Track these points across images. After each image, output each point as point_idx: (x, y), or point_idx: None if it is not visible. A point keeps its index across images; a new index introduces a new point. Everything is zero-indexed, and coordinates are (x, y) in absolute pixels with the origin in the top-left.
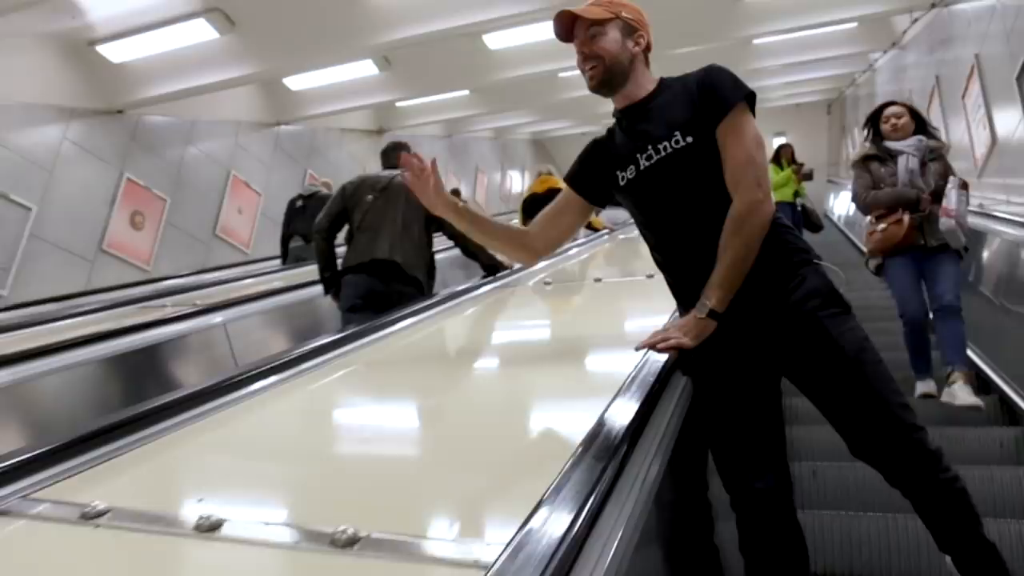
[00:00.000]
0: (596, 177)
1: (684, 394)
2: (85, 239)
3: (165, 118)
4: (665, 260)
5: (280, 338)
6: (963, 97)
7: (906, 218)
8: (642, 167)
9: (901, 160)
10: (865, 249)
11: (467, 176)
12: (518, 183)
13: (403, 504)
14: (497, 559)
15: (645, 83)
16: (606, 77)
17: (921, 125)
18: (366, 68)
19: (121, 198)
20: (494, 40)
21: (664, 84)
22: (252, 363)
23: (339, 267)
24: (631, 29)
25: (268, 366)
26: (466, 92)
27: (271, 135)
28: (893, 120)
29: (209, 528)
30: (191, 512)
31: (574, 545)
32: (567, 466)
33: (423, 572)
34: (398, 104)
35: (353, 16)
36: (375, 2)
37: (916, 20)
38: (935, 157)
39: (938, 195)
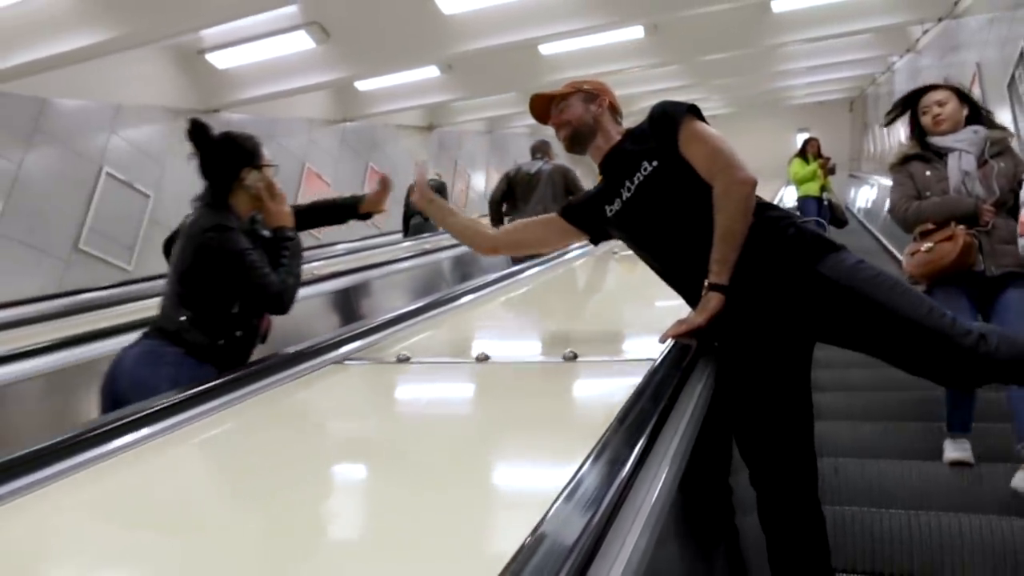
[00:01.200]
0: (587, 212)
1: (711, 376)
2: None
3: (247, 116)
4: (664, 272)
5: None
6: None
7: (960, 234)
8: (624, 198)
9: (952, 159)
10: (905, 272)
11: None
12: None
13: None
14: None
15: (613, 135)
16: (574, 135)
17: (975, 112)
18: (429, 71)
19: None
20: (546, 47)
21: (628, 133)
22: None
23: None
24: (591, 96)
25: None
26: (436, 72)
27: (338, 131)
28: (936, 109)
29: None
30: None
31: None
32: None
33: None
34: (361, 87)
35: (430, 28)
36: (450, 16)
37: (927, 31)
38: (999, 152)
39: (1005, 203)
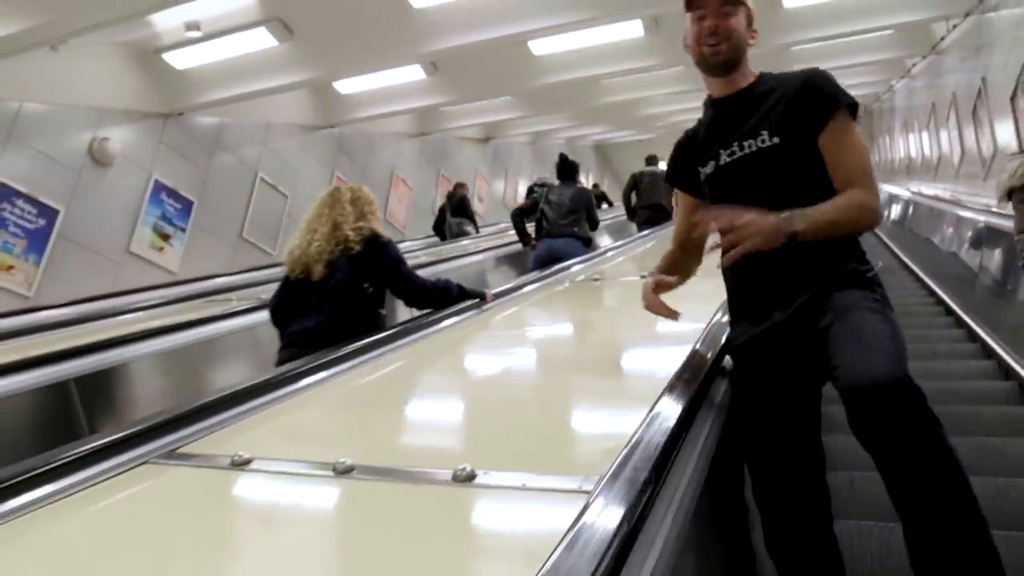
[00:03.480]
0: (688, 173)
1: (726, 398)
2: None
3: (224, 120)
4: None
5: None
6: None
7: None
8: (722, 162)
9: None
10: None
11: (500, 177)
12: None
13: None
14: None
15: (748, 74)
16: (730, 56)
17: None
18: (414, 73)
19: None
20: (539, 46)
21: (764, 78)
22: None
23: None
24: (750, 21)
25: None
26: (422, 75)
27: (417, 143)
28: None
29: None
30: None
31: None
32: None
33: None
34: (343, 91)
35: (403, 24)
36: (424, 11)
37: (955, 26)
38: None
39: None
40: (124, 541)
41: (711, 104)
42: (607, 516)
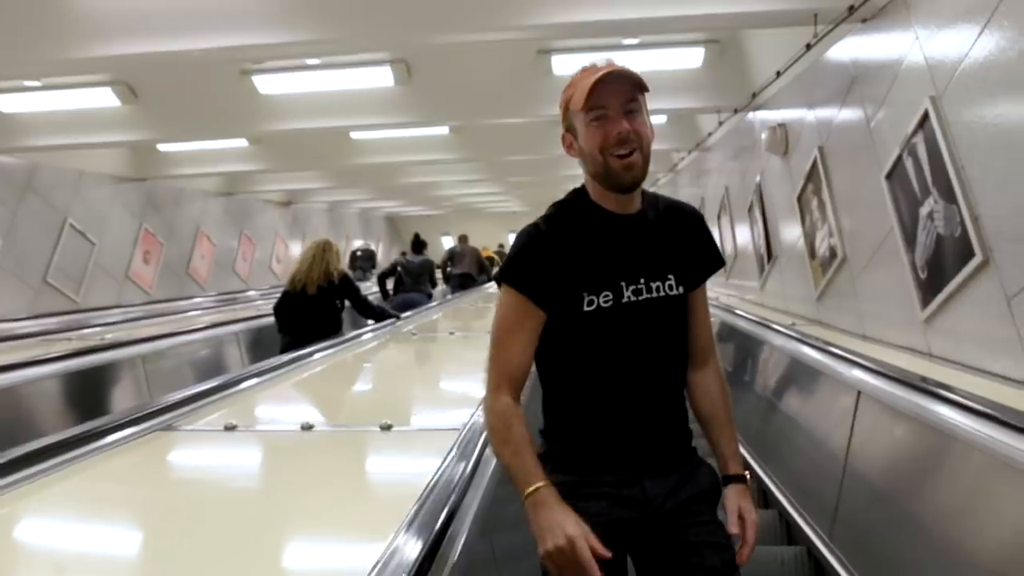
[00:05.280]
0: (557, 288)
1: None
2: None
3: (36, 163)
4: (603, 399)
5: None
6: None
7: None
8: (625, 299)
9: None
10: None
11: (299, 240)
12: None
13: None
14: None
15: (636, 192)
16: (644, 172)
17: None
18: (104, 98)
19: None
20: (264, 83)
21: (647, 199)
22: None
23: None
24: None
25: None
26: (244, 143)
27: (142, 188)
28: None
29: None
30: None
31: None
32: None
33: None
34: (161, 148)
35: (247, 105)
36: (266, 96)
37: (722, 123)
38: None
39: None
40: (155, 482)
41: (601, 216)
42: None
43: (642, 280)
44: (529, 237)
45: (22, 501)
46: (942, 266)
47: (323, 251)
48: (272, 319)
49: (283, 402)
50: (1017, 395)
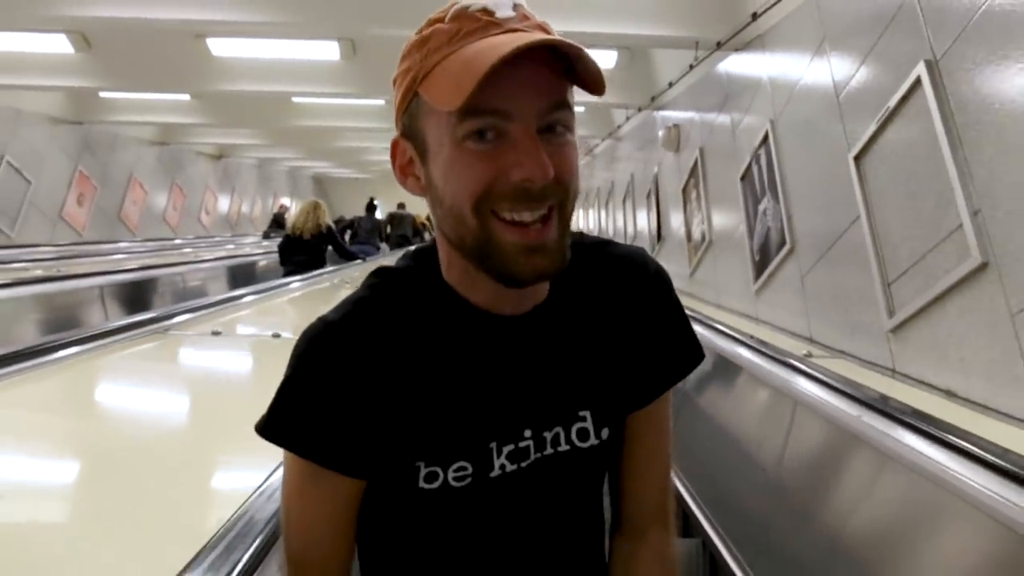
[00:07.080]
0: (372, 453)
1: None
2: None
3: None
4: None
5: None
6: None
7: None
8: (495, 472)
9: None
10: None
11: (227, 194)
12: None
13: None
14: None
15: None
16: (563, 252)
17: None
18: (58, 44)
19: None
20: (219, 46)
21: (569, 268)
22: None
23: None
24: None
25: None
26: (186, 97)
27: (79, 131)
28: None
29: None
30: None
31: None
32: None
33: None
34: (102, 94)
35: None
36: None
37: (629, 118)
38: None
39: None
40: (152, 372)
41: (464, 319)
42: None
43: (528, 433)
44: (318, 355)
45: (44, 381)
46: (767, 251)
47: (315, 208)
48: None
49: (260, 316)
50: (797, 346)
